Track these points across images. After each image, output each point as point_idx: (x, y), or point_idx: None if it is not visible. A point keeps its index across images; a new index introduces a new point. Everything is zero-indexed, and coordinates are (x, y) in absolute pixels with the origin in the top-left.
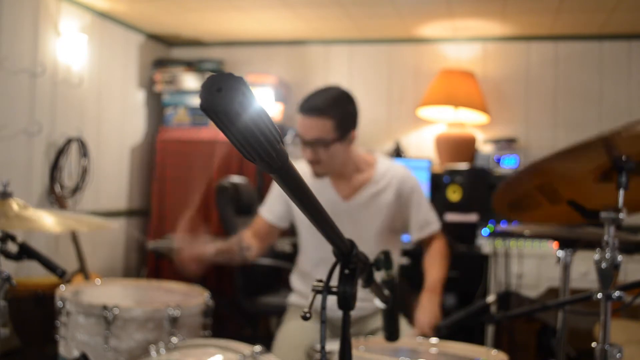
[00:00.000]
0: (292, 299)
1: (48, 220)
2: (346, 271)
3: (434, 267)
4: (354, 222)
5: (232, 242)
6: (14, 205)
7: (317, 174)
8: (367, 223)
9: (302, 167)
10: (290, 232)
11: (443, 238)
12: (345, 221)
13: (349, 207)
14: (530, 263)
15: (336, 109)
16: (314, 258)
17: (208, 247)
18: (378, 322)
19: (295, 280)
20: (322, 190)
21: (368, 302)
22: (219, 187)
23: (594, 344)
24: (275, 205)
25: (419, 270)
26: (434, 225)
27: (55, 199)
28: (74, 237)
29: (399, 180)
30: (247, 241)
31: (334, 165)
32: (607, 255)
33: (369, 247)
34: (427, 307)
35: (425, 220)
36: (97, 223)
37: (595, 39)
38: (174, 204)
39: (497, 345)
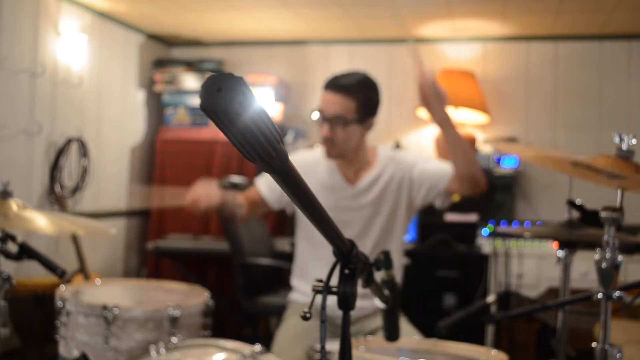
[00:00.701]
0: (293, 296)
1: (43, 221)
2: (346, 271)
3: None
4: (359, 205)
5: (227, 195)
6: (14, 205)
7: (330, 155)
8: (371, 204)
9: (311, 154)
10: (290, 232)
11: None
12: (352, 205)
13: (355, 191)
14: (530, 263)
15: (361, 92)
16: (314, 257)
17: (214, 189)
18: (378, 321)
19: (295, 278)
20: (331, 177)
21: (368, 301)
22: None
23: (594, 344)
24: (276, 185)
25: (419, 270)
26: (448, 169)
27: (55, 199)
28: (74, 237)
29: (397, 159)
30: (240, 200)
31: (347, 148)
32: (608, 255)
33: (377, 231)
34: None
35: (440, 170)
36: (94, 227)
37: (595, 39)
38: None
39: (497, 345)
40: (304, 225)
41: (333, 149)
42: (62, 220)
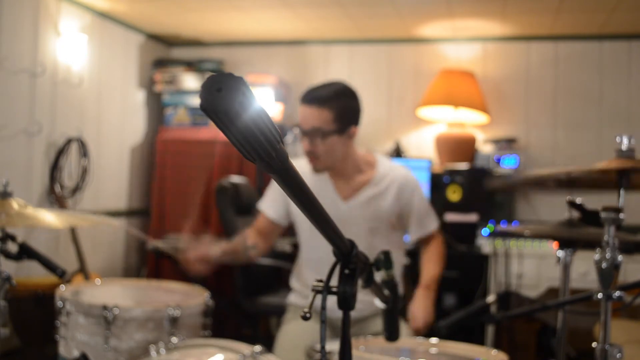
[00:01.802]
0: (291, 298)
1: (49, 217)
2: (346, 271)
3: (431, 264)
4: (351, 222)
5: (236, 241)
6: (14, 204)
7: (316, 169)
8: (364, 225)
9: (302, 165)
10: (290, 232)
11: (441, 237)
12: (343, 222)
13: (348, 207)
14: (530, 263)
15: (337, 102)
16: (313, 258)
17: (213, 248)
18: (378, 324)
19: (294, 280)
20: (323, 190)
21: (367, 303)
22: (219, 187)
23: (594, 344)
24: (277, 202)
25: (419, 270)
26: (432, 224)
27: (55, 199)
28: (74, 237)
29: (400, 182)
30: (252, 240)
31: (332, 160)
32: (607, 255)
33: (363, 246)
34: (422, 302)
35: (423, 220)
36: (97, 219)
37: (595, 39)
38: (174, 204)
39: (497, 345)
40: (302, 228)
41: (317, 162)
42: (65, 215)
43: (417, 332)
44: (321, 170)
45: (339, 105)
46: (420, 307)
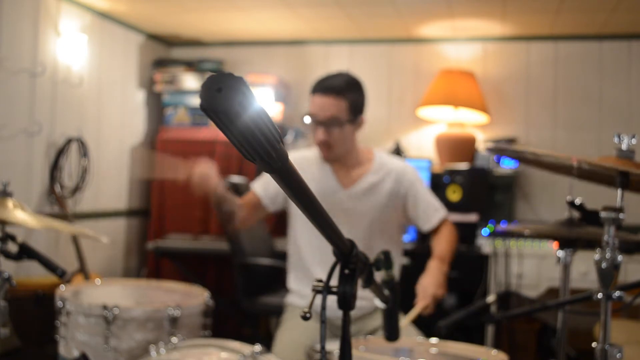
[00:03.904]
0: (290, 299)
1: (27, 219)
2: (346, 271)
3: (442, 243)
4: (351, 212)
5: (228, 192)
6: (10, 204)
7: (327, 158)
8: (364, 211)
9: (306, 155)
10: None
11: (450, 224)
12: (344, 208)
13: (348, 195)
14: (530, 263)
15: (351, 92)
16: (312, 257)
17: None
18: (378, 321)
19: (292, 281)
20: (324, 178)
21: (367, 300)
22: None
23: (594, 344)
24: (270, 186)
25: (419, 270)
26: (441, 212)
27: (55, 199)
28: (74, 237)
29: (398, 171)
30: (239, 202)
31: (344, 149)
32: (607, 255)
33: (362, 235)
34: (434, 275)
35: (430, 209)
36: (88, 233)
37: (595, 39)
38: (174, 204)
39: (497, 345)
40: (300, 227)
41: (330, 151)
42: (48, 220)
43: (425, 307)
44: (332, 159)
45: (352, 95)
46: (431, 279)
